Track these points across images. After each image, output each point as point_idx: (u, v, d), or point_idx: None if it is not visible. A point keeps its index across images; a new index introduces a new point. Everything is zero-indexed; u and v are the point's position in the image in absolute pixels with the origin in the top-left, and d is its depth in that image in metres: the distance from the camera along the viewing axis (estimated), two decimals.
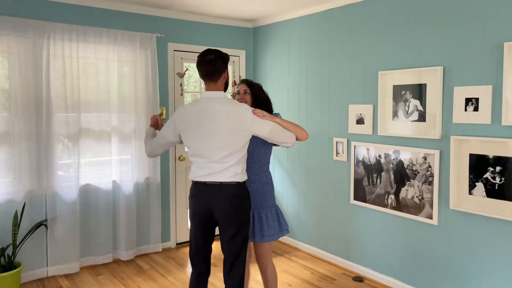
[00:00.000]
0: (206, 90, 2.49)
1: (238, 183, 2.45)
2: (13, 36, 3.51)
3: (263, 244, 2.77)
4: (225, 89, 2.54)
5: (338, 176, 4.04)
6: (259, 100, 2.78)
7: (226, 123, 2.39)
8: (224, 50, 4.75)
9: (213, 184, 2.43)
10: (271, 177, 2.81)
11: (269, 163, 2.81)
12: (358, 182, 3.82)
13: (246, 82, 2.85)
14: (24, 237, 3.55)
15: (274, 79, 4.73)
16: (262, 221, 2.72)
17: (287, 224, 2.82)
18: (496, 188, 2.83)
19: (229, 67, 4.87)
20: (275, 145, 2.69)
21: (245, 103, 2.72)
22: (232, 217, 2.46)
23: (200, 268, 2.59)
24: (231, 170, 2.42)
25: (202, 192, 2.47)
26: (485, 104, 2.86)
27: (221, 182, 2.41)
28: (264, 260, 2.82)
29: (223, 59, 2.47)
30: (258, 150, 2.72)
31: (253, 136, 2.57)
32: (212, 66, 2.43)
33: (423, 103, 3.25)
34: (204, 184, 2.44)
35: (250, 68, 5.07)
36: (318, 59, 4.20)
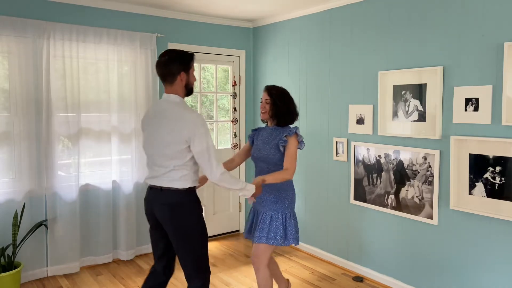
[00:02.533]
0: (165, 92, 2.45)
1: (176, 189, 2.36)
2: (13, 36, 3.51)
3: (259, 245, 2.75)
4: (188, 92, 2.47)
5: (338, 176, 4.04)
6: (277, 109, 2.78)
7: (170, 128, 2.32)
8: (224, 50, 4.80)
9: (155, 188, 2.41)
10: (290, 183, 2.81)
11: None
12: (358, 182, 3.82)
13: (268, 90, 2.82)
14: (24, 237, 3.56)
15: (274, 79, 4.72)
16: (263, 223, 2.73)
17: (295, 234, 2.76)
18: (496, 188, 2.83)
19: (228, 67, 4.94)
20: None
21: (265, 112, 2.80)
22: (168, 222, 2.39)
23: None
24: (169, 175, 2.35)
25: (147, 195, 2.49)
26: (485, 104, 2.86)
27: (161, 187, 2.38)
28: (256, 261, 2.79)
29: (179, 60, 2.37)
30: (275, 155, 2.75)
31: (270, 141, 2.67)
32: (165, 68, 2.37)
33: (423, 103, 3.25)
34: (149, 187, 2.46)
35: (250, 68, 5.07)
36: (318, 59, 4.20)
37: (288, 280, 3.21)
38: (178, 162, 2.34)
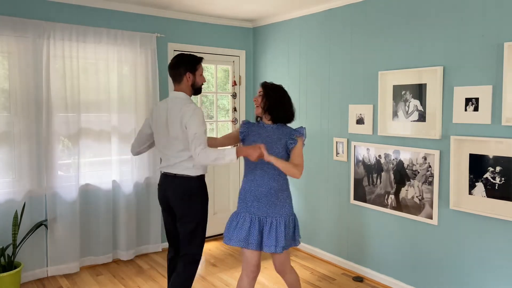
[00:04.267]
0: (174, 90, 2.78)
1: (189, 176, 2.68)
2: (13, 36, 3.51)
3: (280, 255, 2.66)
4: (195, 91, 2.79)
5: (338, 176, 4.04)
6: (270, 100, 2.65)
7: (176, 121, 2.61)
8: (224, 50, 4.80)
9: (169, 175, 2.74)
10: (288, 186, 2.69)
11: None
12: (358, 182, 3.82)
13: (262, 84, 2.75)
14: (24, 237, 3.56)
15: (274, 79, 4.72)
16: (274, 232, 2.59)
17: (299, 232, 2.71)
18: (496, 188, 2.83)
19: (228, 67, 4.94)
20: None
21: (258, 106, 2.69)
22: (179, 204, 2.72)
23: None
24: (183, 164, 2.67)
25: (161, 182, 2.82)
26: (485, 104, 2.86)
27: (175, 174, 2.70)
28: (284, 268, 2.75)
29: (186, 63, 2.71)
30: (283, 155, 2.62)
31: (276, 141, 2.61)
32: (174, 70, 2.73)
33: (423, 103, 3.25)
34: (164, 175, 2.79)
35: (250, 68, 5.07)
36: (318, 59, 4.20)
37: None
38: (189, 153, 2.63)
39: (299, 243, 2.73)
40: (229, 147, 2.70)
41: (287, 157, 2.64)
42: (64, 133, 3.82)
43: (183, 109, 2.61)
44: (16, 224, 3.44)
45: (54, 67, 3.72)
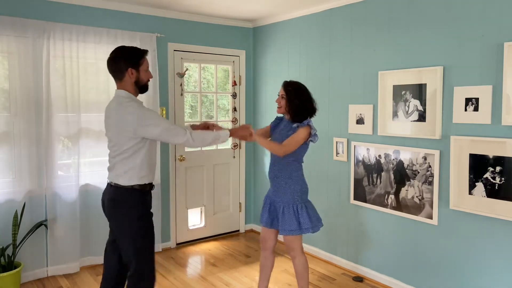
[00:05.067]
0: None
1: (116, 184, 2.39)
2: (13, 36, 3.51)
3: (285, 237, 2.90)
4: (141, 89, 2.47)
5: (338, 176, 4.04)
6: (292, 105, 2.87)
7: (113, 122, 2.38)
8: (224, 50, 4.79)
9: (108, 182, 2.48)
10: (298, 175, 2.90)
11: (298, 161, 2.91)
12: (358, 182, 3.82)
13: (284, 85, 2.93)
14: (24, 237, 3.55)
15: (274, 79, 4.72)
16: (279, 215, 2.87)
17: (310, 223, 2.84)
18: (496, 188, 2.83)
19: (228, 67, 4.93)
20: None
21: (280, 107, 2.91)
22: (110, 218, 2.47)
23: None
24: (116, 169, 2.40)
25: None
26: (485, 104, 2.86)
27: (109, 182, 2.45)
28: (291, 251, 2.97)
29: (127, 58, 2.37)
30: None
31: (284, 133, 2.82)
32: (112, 65, 2.40)
33: (423, 103, 3.25)
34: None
35: (250, 68, 5.07)
36: (318, 59, 4.20)
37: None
38: (123, 155, 2.38)
39: (308, 232, 2.86)
40: (223, 131, 2.62)
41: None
42: (64, 133, 3.82)
43: (124, 116, 2.31)
44: (16, 224, 3.44)
45: (54, 67, 3.72)
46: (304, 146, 2.87)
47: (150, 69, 4.17)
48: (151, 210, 2.52)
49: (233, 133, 2.68)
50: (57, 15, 3.75)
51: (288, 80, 2.98)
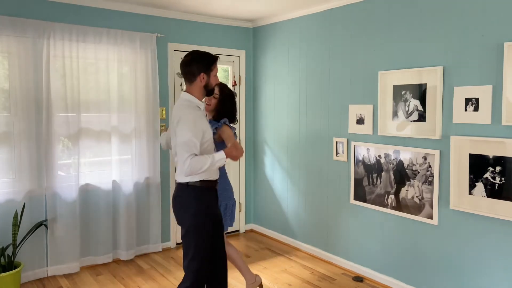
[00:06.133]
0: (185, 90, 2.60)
1: (179, 183, 2.53)
2: (13, 36, 3.51)
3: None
4: (207, 93, 2.58)
5: (338, 176, 4.04)
6: (224, 109, 3.06)
7: (175, 130, 2.45)
8: (224, 50, 4.79)
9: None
10: (222, 175, 3.00)
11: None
12: (358, 182, 3.82)
13: (220, 87, 3.10)
14: (24, 237, 3.55)
15: (274, 79, 4.73)
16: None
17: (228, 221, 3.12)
18: (496, 188, 2.83)
19: (228, 67, 4.93)
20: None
21: (209, 105, 3.04)
22: (176, 215, 2.60)
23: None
24: (178, 169, 2.50)
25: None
26: (485, 104, 2.86)
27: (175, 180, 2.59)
28: None
29: (201, 63, 2.47)
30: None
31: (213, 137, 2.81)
32: (186, 68, 2.49)
33: (423, 103, 3.25)
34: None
35: (250, 68, 5.07)
36: (318, 59, 4.20)
37: (257, 275, 3.35)
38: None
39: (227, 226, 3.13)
40: (218, 153, 2.52)
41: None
42: (64, 133, 3.82)
43: (179, 115, 2.43)
44: (16, 224, 3.44)
45: (54, 67, 3.72)
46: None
47: (150, 69, 4.25)
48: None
49: (227, 153, 2.53)
50: (57, 15, 3.75)
51: (223, 83, 3.17)
